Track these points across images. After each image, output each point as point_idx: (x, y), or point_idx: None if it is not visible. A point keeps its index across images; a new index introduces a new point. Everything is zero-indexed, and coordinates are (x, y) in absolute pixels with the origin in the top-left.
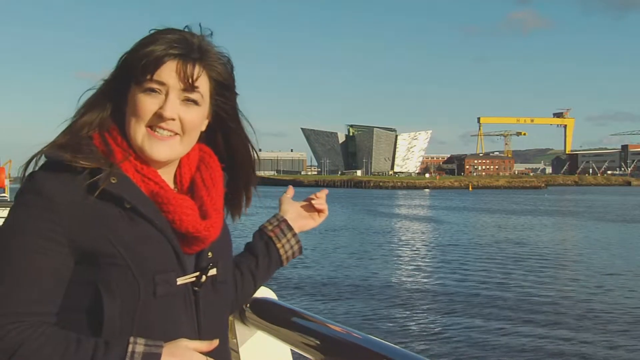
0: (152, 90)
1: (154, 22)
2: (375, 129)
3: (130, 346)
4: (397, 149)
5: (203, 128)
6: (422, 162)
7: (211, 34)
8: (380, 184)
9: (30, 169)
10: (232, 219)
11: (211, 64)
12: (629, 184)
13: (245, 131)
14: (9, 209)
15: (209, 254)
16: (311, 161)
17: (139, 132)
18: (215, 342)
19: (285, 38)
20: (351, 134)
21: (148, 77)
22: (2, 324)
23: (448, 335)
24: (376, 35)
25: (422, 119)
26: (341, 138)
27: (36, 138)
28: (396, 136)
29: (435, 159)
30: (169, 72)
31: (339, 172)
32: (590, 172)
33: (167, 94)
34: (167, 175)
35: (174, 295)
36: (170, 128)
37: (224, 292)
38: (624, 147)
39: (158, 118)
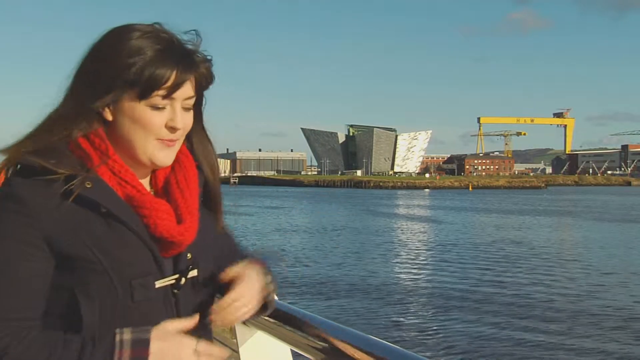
0: (160, 106)
1: (152, 20)
2: (375, 129)
3: (118, 336)
4: (397, 149)
5: None
6: (422, 162)
7: (193, 36)
8: (380, 184)
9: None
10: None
11: (202, 71)
12: (629, 184)
13: (204, 125)
14: None
15: (188, 255)
16: (311, 161)
17: (149, 144)
18: (196, 318)
19: (285, 38)
20: (351, 134)
21: (161, 97)
22: None
23: (446, 334)
24: (376, 35)
25: (422, 119)
26: (341, 138)
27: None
28: (396, 136)
29: (435, 159)
30: (179, 90)
31: (339, 172)
32: (590, 172)
33: (172, 106)
34: (144, 178)
35: (153, 299)
36: (177, 137)
37: (204, 293)
38: (624, 147)
39: (169, 129)
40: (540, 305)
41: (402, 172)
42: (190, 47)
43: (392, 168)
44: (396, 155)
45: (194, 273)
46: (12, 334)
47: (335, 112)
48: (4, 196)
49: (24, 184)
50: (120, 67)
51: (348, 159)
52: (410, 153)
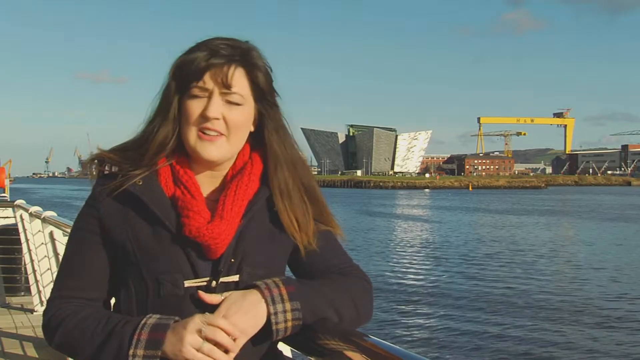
0: (197, 95)
1: (152, 20)
2: (375, 129)
3: (144, 319)
4: (397, 149)
5: (252, 129)
6: (422, 162)
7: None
8: (381, 184)
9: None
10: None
11: (251, 69)
12: (629, 184)
13: (291, 139)
14: (9, 209)
15: (232, 259)
16: (311, 161)
17: (191, 135)
18: (219, 297)
19: (285, 38)
20: (351, 134)
21: (194, 84)
22: (53, 304)
23: (445, 334)
24: (376, 35)
25: (422, 119)
26: (341, 138)
27: (37, 138)
28: (396, 136)
29: (435, 159)
30: (210, 76)
31: (339, 172)
32: (590, 172)
33: (210, 97)
34: (214, 179)
35: (183, 297)
36: (216, 128)
37: None
38: (624, 147)
39: (204, 119)
40: (534, 303)
41: (402, 172)
42: (239, 45)
43: (392, 168)
44: (396, 155)
45: (233, 278)
46: (69, 309)
47: (335, 112)
48: (91, 191)
49: (98, 180)
50: (177, 65)
51: (348, 159)
52: (410, 153)
